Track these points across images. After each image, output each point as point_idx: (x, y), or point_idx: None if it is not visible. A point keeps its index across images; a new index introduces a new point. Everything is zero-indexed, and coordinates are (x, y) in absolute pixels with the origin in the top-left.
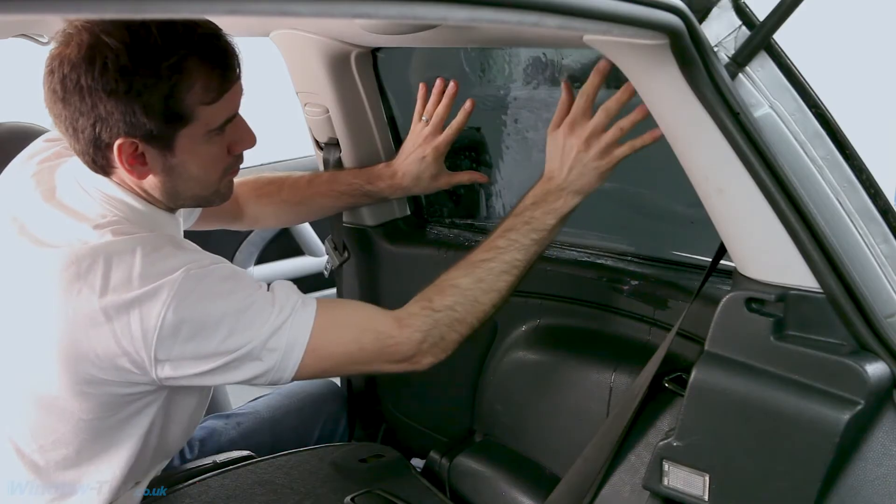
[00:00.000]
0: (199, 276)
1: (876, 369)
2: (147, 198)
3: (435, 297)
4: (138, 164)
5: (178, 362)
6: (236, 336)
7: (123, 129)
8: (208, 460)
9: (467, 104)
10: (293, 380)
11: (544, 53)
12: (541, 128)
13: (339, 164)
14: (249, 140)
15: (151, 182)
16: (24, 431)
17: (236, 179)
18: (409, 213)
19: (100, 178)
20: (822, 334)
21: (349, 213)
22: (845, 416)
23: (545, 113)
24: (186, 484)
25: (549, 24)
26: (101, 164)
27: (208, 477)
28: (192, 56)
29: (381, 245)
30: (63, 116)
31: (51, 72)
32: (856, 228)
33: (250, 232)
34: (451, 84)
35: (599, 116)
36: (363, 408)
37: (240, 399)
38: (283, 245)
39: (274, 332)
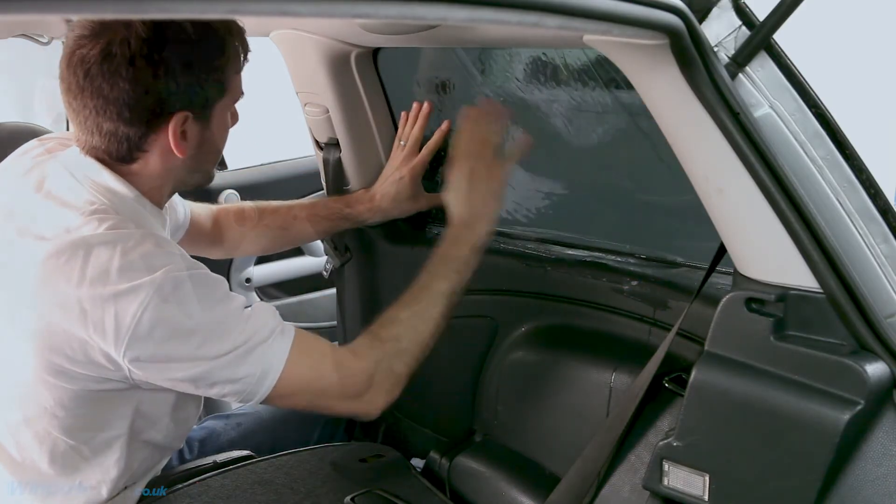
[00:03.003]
0: (180, 279)
1: (876, 369)
2: (147, 187)
3: (380, 331)
4: (181, 139)
5: (149, 364)
6: (211, 345)
7: (180, 101)
8: (208, 460)
9: (444, 125)
10: (262, 403)
11: (544, 53)
12: (540, 128)
13: (338, 163)
14: (237, 115)
15: (179, 160)
16: (4, 429)
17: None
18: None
19: (92, 166)
20: (822, 334)
21: None
22: (845, 416)
23: (545, 113)
24: (186, 484)
25: (549, 25)
26: (132, 145)
27: (208, 477)
28: (226, 22)
29: (381, 245)
30: (93, 97)
31: (82, 59)
32: (856, 228)
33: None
34: (426, 105)
35: (488, 147)
36: None
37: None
38: None
39: (250, 351)
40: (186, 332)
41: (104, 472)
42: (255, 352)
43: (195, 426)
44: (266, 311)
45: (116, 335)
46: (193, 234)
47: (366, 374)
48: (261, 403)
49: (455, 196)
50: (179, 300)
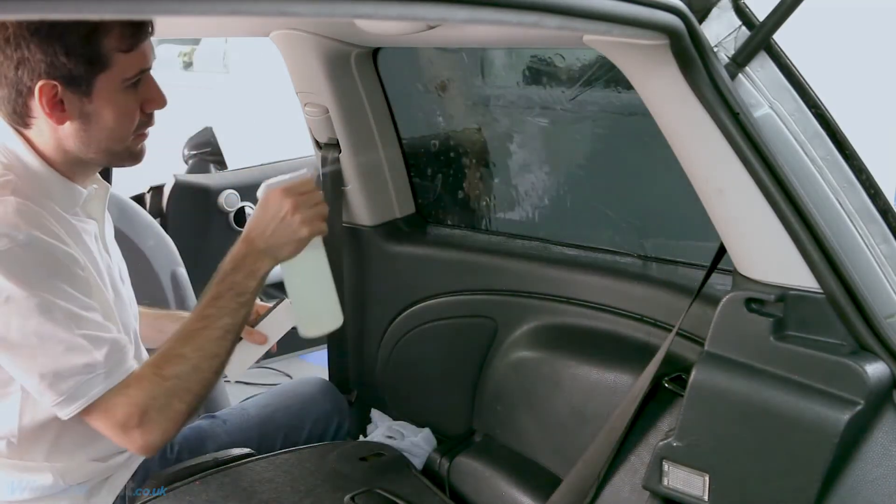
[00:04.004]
0: (28, 248)
1: (876, 369)
2: (53, 158)
3: (163, 366)
4: (57, 109)
5: None
6: (38, 328)
7: (45, 70)
8: (209, 458)
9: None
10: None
11: (539, 55)
12: (539, 128)
13: (338, 163)
14: (160, 99)
15: (67, 130)
16: None
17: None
18: (409, 213)
19: (8, 132)
20: (822, 334)
21: (348, 213)
22: (845, 417)
23: (544, 113)
24: (186, 482)
25: (549, 25)
26: (20, 111)
27: (208, 475)
28: None
29: (381, 245)
30: None
31: None
32: (856, 228)
33: None
34: None
35: (315, 193)
36: (363, 407)
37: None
38: None
39: (70, 374)
40: (18, 303)
41: (43, 452)
42: (69, 379)
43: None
44: (116, 349)
45: None
46: None
47: (138, 408)
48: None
49: (265, 215)
50: (18, 270)
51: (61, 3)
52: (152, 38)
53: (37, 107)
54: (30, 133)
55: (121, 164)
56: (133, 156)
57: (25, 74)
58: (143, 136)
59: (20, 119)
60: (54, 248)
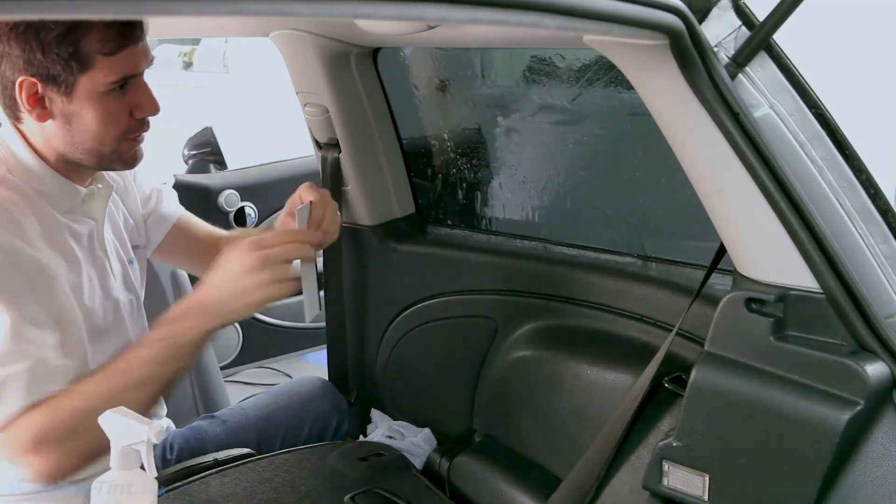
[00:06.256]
0: None
1: (876, 369)
2: (46, 154)
3: (65, 398)
4: (39, 106)
5: None
6: None
7: (23, 65)
8: (208, 458)
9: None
10: None
11: (540, 55)
12: (539, 128)
13: (338, 163)
14: (152, 106)
15: (51, 129)
16: None
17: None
18: (409, 213)
19: (7, 126)
20: (822, 334)
21: (348, 213)
22: (845, 417)
23: (544, 113)
24: (186, 482)
25: (549, 25)
26: (9, 104)
27: (208, 475)
28: None
29: (381, 245)
30: None
31: None
32: (855, 229)
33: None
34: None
35: (286, 249)
36: (363, 407)
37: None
38: None
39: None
40: None
41: None
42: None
43: (184, 427)
44: (33, 357)
45: None
46: (181, 241)
47: (33, 435)
48: None
49: (226, 269)
50: None
51: (61, 4)
52: (151, 39)
53: (18, 102)
54: (22, 128)
55: (111, 168)
56: (123, 161)
57: (8, 68)
58: (136, 140)
59: (11, 112)
60: (15, 252)
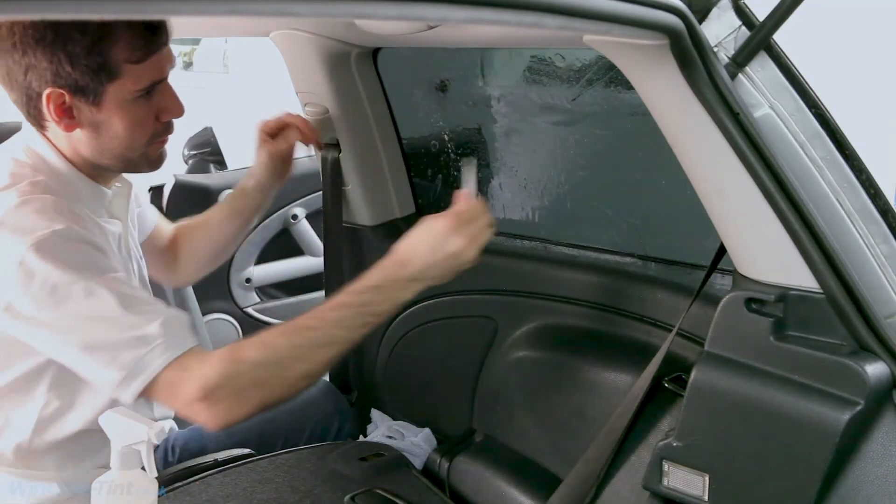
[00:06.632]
0: (66, 239)
1: (876, 369)
2: (73, 159)
3: (243, 348)
4: (66, 116)
5: (29, 319)
6: (87, 311)
7: (51, 77)
8: (209, 458)
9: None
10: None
11: (540, 55)
12: (539, 128)
13: (338, 163)
14: (177, 109)
15: (79, 137)
16: None
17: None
18: (409, 213)
19: (33, 133)
20: (822, 334)
21: (348, 213)
22: (845, 417)
23: (544, 113)
24: (186, 482)
25: (549, 25)
26: (33, 114)
27: (209, 475)
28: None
29: (381, 245)
30: None
31: None
32: (855, 229)
33: (251, 231)
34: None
35: (484, 218)
36: (363, 407)
37: None
38: (283, 245)
39: (127, 346)
40: (64, 289)
41: (52, 463)
42: (126, 354)
43: (185, 428)
44: (174, 320)
45: None
46: (152, 247)
47: (203, 386)
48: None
49: (428, 243)
50: (63, 258)
51: (61, 4)
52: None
53: (44, 112)
54: (48, 135)
55: (138, 171)
56: (150, 162)
57: (34, 80)
58: (162, 143)
59: (35, 122)
60: (92, 238)
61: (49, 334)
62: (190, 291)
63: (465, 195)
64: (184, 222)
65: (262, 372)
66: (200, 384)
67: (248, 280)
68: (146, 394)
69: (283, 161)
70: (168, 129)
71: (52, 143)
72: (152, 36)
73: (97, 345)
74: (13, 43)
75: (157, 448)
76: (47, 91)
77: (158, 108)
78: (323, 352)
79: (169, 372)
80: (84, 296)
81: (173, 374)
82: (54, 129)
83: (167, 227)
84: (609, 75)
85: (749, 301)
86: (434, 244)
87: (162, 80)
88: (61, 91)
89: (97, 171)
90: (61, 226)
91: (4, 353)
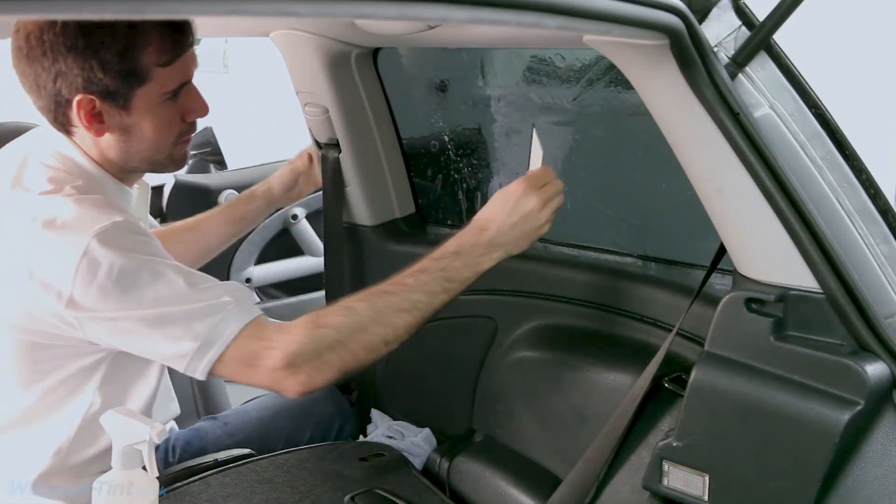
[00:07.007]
0: (126, 230)
1: (876, 369)
2: (101, 162)
3: (324, 314)
4: (96, 122)
5: (94, 311)
6: (155, 293)
7: (82, 84)
8: (209, 458)
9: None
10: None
11: (540, 55)
12: (539, 128)
13: (338, 163)
14: (202, 108)
15: (108, 141)
16: None
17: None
18: (409, 213)
19: (60, 138)
20: (822, 334)
21: (348, 213)
22: (845, 417)
23: (544, 113)
24: (186, 482)
25: (549, 25)
26: (61, 120)
27: (209, 475)
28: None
29: (381, 245)
30: (27, 73)
31: (17, 30)
32: (855, 229)
33: (251, 231)
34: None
35: (557, 183)
36: (363, 407)
37: (239, 401)
38: (283, 245)
39: (201, 315)
40: (132, 276)
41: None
42: (209, 317)
43: (185, 428)
44: (232, 285)
45: (64, 276)
46: None
47: (285, 349)
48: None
49: (506, 207)
50: (124, 246)
51: (61, 3)
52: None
53: (72, 117)
54: (72, 138)
55: (164, 171)
56: (175, 162)
57: (63, 87)
58: (186, 142)
59: (62, 127)
60: (146, 230)
61: (113, 324)
62: None
63: (534, 162)
64: (173, 224)
65: (345, 336)
66: (283, 352)
67: (248, 280)
68: (219, 369)
69: (303, 181)
70: (192, 128)
71: (80, 147)
72: (180, 37)
73: (169, 319)
74: (43, 51)
75: (157, 448)
76: (77, 98)
77: (184, 108)
78: (402, 316)
79: (246, 342)
80: (152, 279)
81: (252, 344)
82: (82, 133)
83: (156, 229)
84: (609, 75)
85: (749, 301)
86: (509, 206)
87: (188, 82)
88: (91, 97)
89: (124, 174)
90: (120, 218)
91: (57, 352)
